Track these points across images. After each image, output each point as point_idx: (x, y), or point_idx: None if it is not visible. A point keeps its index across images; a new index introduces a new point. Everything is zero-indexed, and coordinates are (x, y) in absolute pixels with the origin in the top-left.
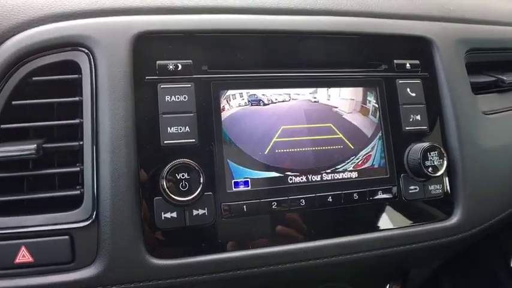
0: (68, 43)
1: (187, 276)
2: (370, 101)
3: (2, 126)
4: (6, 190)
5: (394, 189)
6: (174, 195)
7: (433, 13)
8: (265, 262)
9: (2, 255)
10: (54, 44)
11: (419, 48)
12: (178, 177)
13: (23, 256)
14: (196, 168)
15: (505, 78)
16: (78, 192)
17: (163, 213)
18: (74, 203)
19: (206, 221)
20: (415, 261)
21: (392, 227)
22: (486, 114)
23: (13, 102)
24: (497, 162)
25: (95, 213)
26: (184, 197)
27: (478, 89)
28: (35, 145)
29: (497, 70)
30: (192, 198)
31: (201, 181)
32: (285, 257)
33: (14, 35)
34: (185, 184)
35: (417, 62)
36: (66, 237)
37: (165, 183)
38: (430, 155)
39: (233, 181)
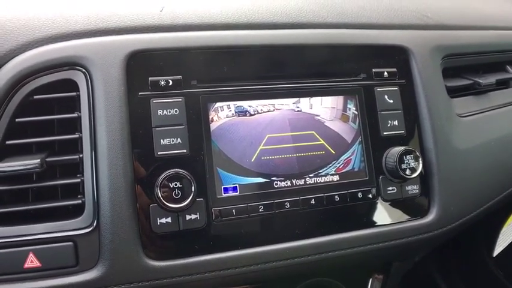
0: (65, 63)
1: (182, 275)
2: (350, 109)
3: (8, 142)
4: (13, 201)
5: (373, 190)
6: (168, 202)
7: (410, 21)
8: (254, 261)
9: (12, 261)
10: (53, 65)
11: (396, 56)
12: (172, 186)
13: (31, 261)
14: (188, 177)
15: (481, 81)
16: (79, 201)
17: (159, 219)
18: (76, 211)
19: (198, 224)
20: (396, 256)
21: (373, 226)
22: (461, 116)
23: (17, 120)
24: (471, 162)
25: (96, 220)
26: (178, 203)
27: (455, 91)
28: (39, 160)
29: (476, 72)
30: (185, 205)
31: (193, 189)
32: (272, 256)
33: (14, 56)
34: (178, 192)
35: (394, 70)
36: (70, 243)
37: (159, 192)
38: (406, 158)
39: (223, 187)
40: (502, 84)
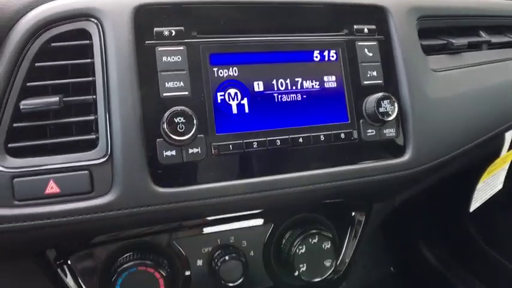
0: (79, 14)
1: (185, 201)
2: (334, 60)
3: (29, 84)
4: (34, 136)
5: (355, 132)
6: (173, 135)
7: None
8: (249, 190)
9: (34, 188)
10: (68, 16)
11: (376, 15)
12: (176, 121)
13: (51, 188)
14: (190, 113)
15: (453, 41)
16: (93, 136)
17: (165, 152)
18: (90, 147)
19: (199, 157)
20: (376, 193)
21: (354, 163)
22: (435, 71)
23: (36, 64)
24: (443, 110)
25: (109, 152)
26: (182, 136)
27: (430, 50)
28: (58, 98)
29: (451, 35)
30: (188, 138)
31: (195, 123)
32: (264, 186)
33: (33, 8)
34: (182, 126)
35: (374, 27)
36: (86, 172)
37: (165, 127)
38: (383, 103)
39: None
40: (473, 47)
